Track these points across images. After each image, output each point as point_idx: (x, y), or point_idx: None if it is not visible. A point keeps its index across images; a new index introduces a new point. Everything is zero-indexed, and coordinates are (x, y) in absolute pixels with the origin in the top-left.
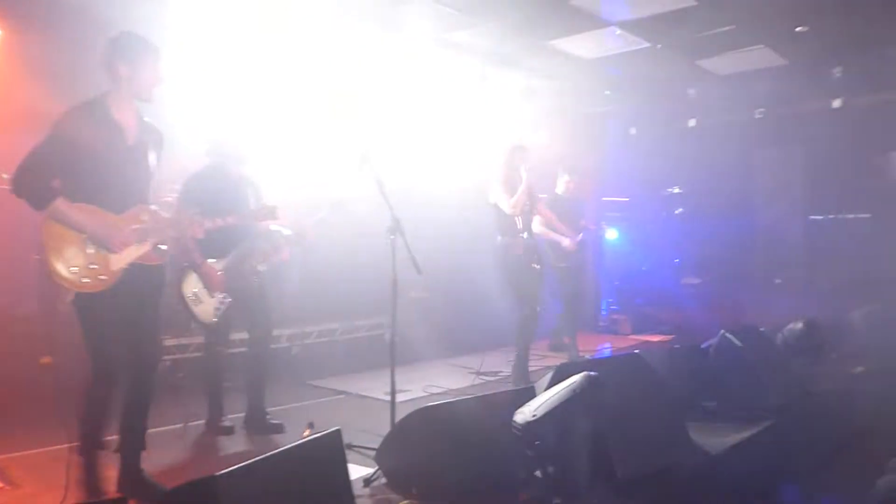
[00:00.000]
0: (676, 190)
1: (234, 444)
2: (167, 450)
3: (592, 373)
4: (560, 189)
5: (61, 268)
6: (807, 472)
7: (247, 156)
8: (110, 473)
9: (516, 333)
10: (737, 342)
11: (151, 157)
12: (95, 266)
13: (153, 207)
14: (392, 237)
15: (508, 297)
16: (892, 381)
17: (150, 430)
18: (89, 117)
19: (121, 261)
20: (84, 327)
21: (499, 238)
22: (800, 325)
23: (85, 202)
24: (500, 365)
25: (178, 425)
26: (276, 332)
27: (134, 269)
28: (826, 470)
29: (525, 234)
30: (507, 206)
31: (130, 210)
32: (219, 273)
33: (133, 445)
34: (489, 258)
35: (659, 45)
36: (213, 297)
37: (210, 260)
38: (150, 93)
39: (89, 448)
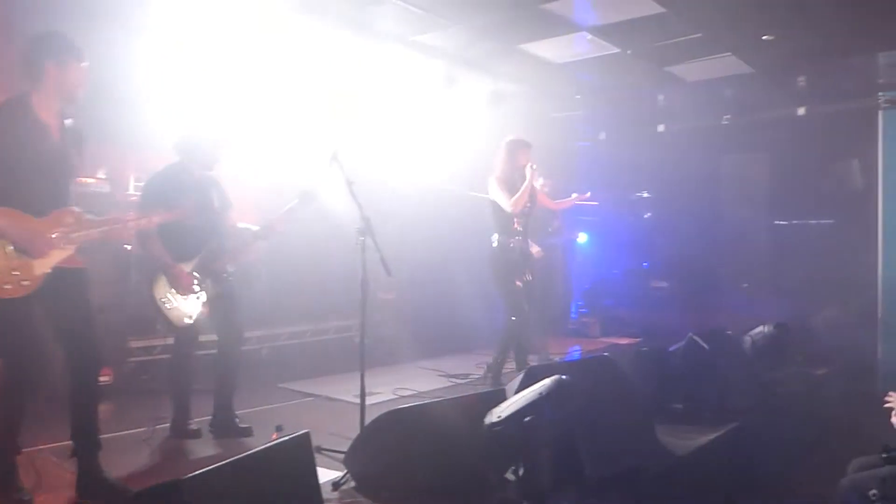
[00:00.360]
0: (645, 194)
1: (201, 448)
2: (132, 453)
3: (563, 376)
4: None
5: None
6: (772, 473)
7: (215, 161)
8: (71, 477)
9: (502, 336)
10: (704, 345)
11: (74, 158)
12: (17, 272)
13: (76, 209)
14: (362, 238)
15: (498, 298)
16: (853, 383)
17: (115, 434)
18: (13, 116)
19: (44, 265)
20: (0, 334)
21: (495, 237)
22: (766, 328)
23: (6, 205)
24: (470, 368)
25: (143, 428)
26: (246, 334)
27: (57, 272)
28: (791, 471)
29: (520, 237)
30: (507, 204)
31: (54, 213)
32: (188, 275)
33: (88, 448)
34: (462, 260)
35: (629, 51)
36: (185, 299)
37: (182, 263)
38: (75, 94)
39: (7, 456)
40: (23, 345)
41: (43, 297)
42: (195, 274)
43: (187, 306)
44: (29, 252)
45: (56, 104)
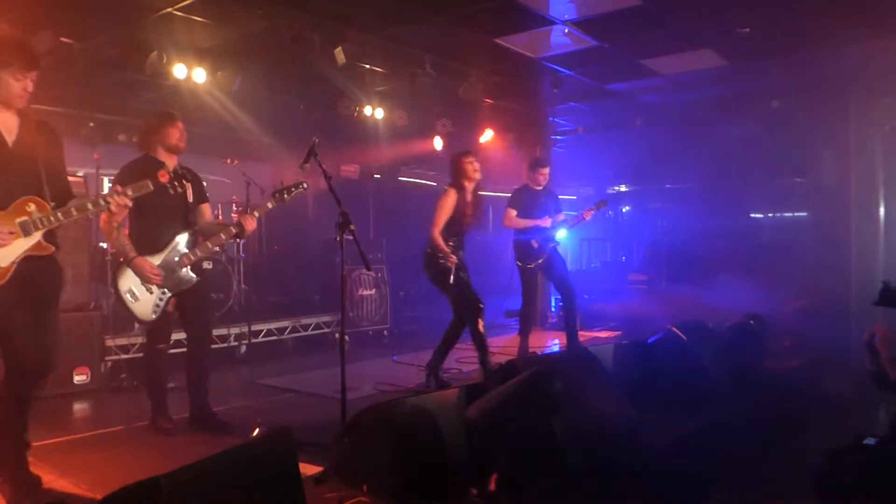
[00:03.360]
0: (623, 188)
1: (180, 445)
2: (109, 452)
3: (541, 369)
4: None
5: None
6: (749, 463)
7: (177, 146)
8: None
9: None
10: (682, 336)
11: (44, 155)
12: None
13: (38, 198)
14: (342, 233)
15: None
16: (827, 374)
17: (94, 433)
18: None
19: (9, 256)
20: None
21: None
22: (743, 319)
23: None
24: (450, 362)
25: (119, 427)
26: (224, 331)
27: (30, 262)
28: (767, 460)
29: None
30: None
31: (14, 203)
32: (153, 267)
33: (21, 451)
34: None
35: (606, 45)
36: (150, 293)
37: (150, 257)
38: (21, 101)
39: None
40: (10, 334)
41: (16, 287)
42: (160, 268)
43: (153, 300)
44: None
45: (8, 109)
